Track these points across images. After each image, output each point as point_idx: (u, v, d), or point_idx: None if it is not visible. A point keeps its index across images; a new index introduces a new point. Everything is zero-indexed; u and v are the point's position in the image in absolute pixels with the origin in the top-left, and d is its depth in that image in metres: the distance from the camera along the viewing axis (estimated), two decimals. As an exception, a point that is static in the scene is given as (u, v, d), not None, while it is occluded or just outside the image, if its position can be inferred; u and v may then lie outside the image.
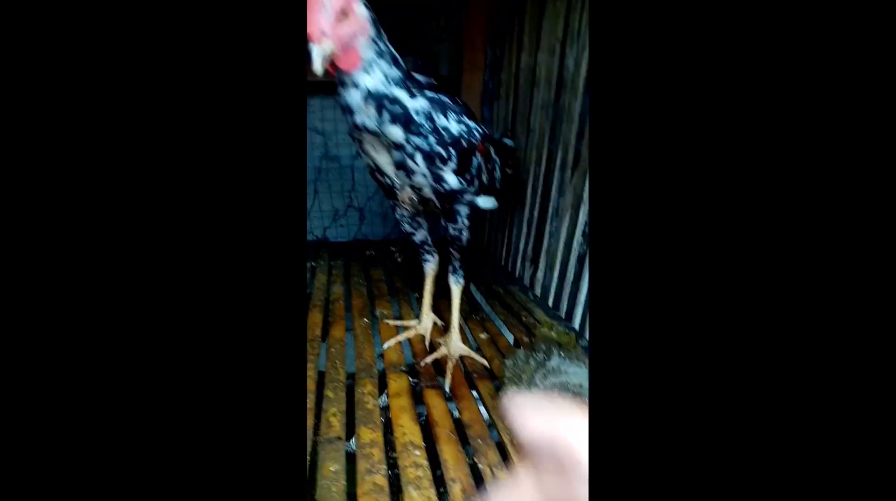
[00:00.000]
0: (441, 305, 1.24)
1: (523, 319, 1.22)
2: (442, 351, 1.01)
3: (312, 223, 1.89)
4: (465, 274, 1.03)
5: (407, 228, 1.03)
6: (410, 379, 0.96)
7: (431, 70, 1.73)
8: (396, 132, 0.74)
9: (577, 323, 1.14)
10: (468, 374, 0.98)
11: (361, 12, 0.69)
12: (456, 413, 0.87)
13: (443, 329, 1.14)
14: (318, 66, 0.61)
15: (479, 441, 0.79)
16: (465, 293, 1.37)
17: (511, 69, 1.54)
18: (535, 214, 1.41)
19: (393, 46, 0.75)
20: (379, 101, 0.71)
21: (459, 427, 0.83)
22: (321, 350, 1.05)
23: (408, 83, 0.75)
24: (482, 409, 0.88)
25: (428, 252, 1.07)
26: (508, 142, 1.29)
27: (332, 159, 1.82)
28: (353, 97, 0.71)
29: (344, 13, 0.65)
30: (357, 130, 0.76)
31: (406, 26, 1.66)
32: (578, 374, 0.85)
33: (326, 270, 1.55)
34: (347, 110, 0.73)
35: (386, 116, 0.72)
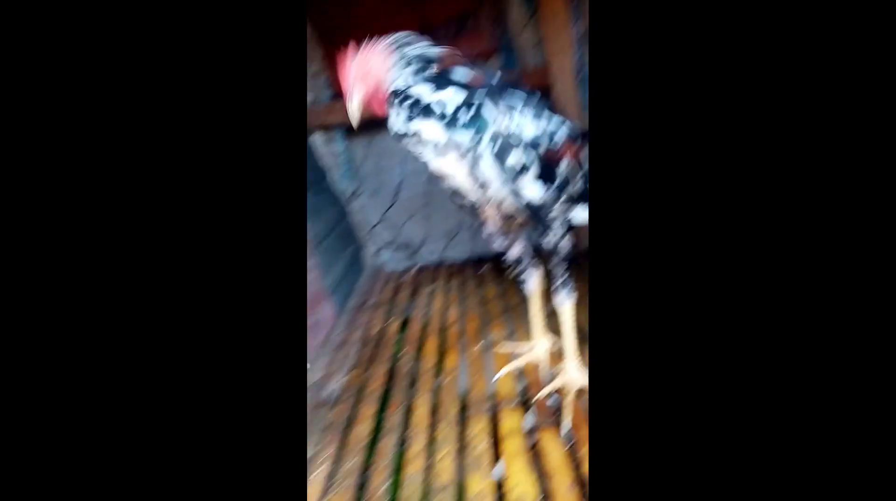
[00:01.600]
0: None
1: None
2: (558, 383, 0.89)
3: (430, 247, 1.92)
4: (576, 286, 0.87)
5: (499, 245, 0.94)
6: (525, 417, 0.86)
7: (519, 65, 1.61)
8: (430, 129, 0.69)
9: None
10: (592, 407, 0.83)
11: (378, 65, 0.70)
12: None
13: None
14: (354, 119, 0.74)
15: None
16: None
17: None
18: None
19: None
20: (399, 97, 0.70)
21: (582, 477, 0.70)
22: (434, 384, 1.02)
23: (439, 76, 0.70)
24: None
25: (525, 270, 0.96)
26: None
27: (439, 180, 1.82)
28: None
29: (364, 76, 0.71)
30: (401, 140, 0.74)
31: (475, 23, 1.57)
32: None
33: (444, 292, 1.55)
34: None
35: (403, 113, 0.69)
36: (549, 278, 0.89)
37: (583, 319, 1.02)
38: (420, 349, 1.19)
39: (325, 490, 0.76)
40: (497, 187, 0.72)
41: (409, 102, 0.69)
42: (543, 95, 1.64)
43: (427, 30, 1.64)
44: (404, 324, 1.37)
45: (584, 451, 0.74)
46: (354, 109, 0.73)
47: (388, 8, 1.61)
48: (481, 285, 1.54)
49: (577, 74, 1.51)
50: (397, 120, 0.71)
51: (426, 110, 0.68)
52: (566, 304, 0.87)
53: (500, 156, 0.68)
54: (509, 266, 1.59)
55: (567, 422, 0.80)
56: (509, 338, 1.14)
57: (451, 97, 0.68)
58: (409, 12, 1.62)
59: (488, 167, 0.69)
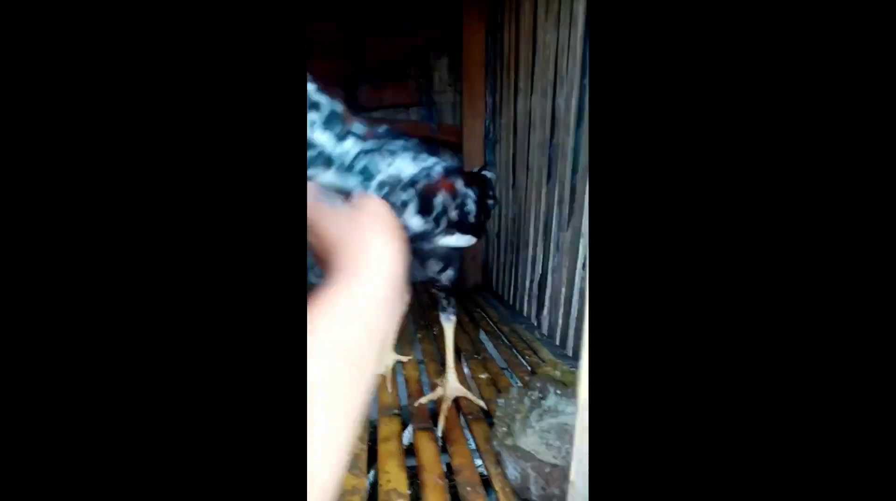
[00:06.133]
0: (441, 344, 1.21)
1: (527, 358, 1.17)
2: (437, 392, 0.97)
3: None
4: (456, 311, 0.99)
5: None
6: (403, 422, 0.92)
7: (436, 119, 1.81)
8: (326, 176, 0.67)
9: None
10: (465, 416, 0.93)
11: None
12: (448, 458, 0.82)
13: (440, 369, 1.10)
14: None
15: (467, 488, 0.73)
16: (470, 334, 1.34)
17: (510, 113, 1.59)
18: (539, 251, 1.40)
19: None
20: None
21: (450, 473, 0.78)
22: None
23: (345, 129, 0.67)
24: (475, 454, 0.83)
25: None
26: (488, 174, 1.13)
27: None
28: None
29: None
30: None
31: (407, 76, 1.76)
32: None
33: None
34: None
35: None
36: (433, 301, 0.98)
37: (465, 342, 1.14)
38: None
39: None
40: None
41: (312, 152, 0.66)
42: (456, 151, 1.84)
43: (360, 71, 1.78)
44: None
45: (454, 449, 0.82)
46: None
47: (329, 50, 1.71)
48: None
49: (486, 136, 1.75)
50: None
51: (328, 160, 0.68)
52: (447, 323, 0.97)
53: (386, 196, 0.72)
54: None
55: (441, 426, 0.88)
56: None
57: (350, 148, 0.69)
58: (343, 56, 1.74)
59: None
